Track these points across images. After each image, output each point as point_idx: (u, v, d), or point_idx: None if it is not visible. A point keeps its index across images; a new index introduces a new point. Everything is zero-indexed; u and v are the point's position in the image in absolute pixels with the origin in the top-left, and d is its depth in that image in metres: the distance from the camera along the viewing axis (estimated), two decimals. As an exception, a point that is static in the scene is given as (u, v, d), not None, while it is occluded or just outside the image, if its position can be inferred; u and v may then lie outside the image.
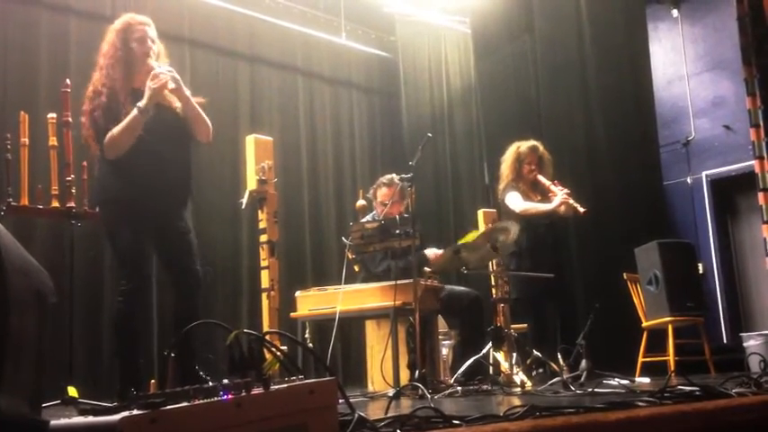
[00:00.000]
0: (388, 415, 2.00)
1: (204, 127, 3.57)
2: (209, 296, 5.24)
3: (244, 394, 1.30)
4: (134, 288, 3.34)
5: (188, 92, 3.56)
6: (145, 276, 3.43)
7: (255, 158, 3.98)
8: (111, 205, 3.47)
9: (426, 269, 4.84)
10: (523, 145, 5.23)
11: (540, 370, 4.53)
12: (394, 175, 5.01)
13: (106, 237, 3.64)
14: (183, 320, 3.32)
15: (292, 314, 4.53)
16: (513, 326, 4.51)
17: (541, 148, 5.25)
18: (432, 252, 4.94)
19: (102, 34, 5.52)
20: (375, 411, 2.83)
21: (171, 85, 3.37)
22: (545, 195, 5.14)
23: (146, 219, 3.40)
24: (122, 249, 3.38)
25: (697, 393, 2.52)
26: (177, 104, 3.54)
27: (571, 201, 4.94)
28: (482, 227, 5.12)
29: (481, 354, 4.36)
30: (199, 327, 3.45)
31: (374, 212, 5.07)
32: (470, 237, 4.68)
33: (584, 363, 4.38)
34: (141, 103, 3.32)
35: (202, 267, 3.56)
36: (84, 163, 4.06)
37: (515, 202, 5.08)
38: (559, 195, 4.99)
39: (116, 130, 3.33)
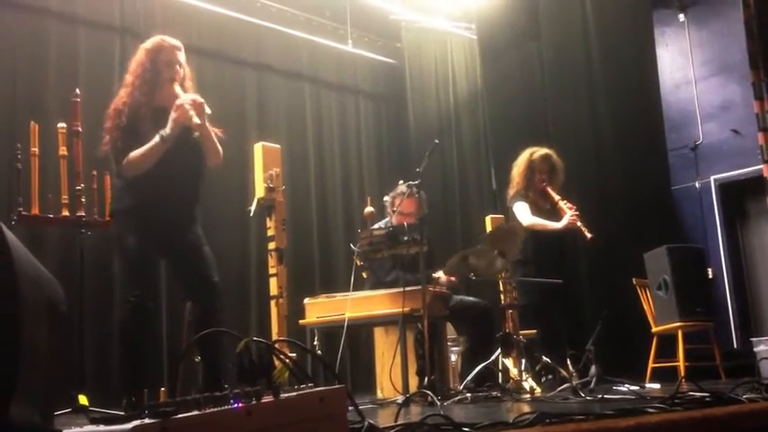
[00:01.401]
0: (398, 422, 2.00)
1: (215, 155, 3.62)
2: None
3: (254, 402, 1.31)
4: (139, 295, 3.38)
5: (207, 115, 3.60)
6: (150, 285, 3.47)
7: (263, 166, 3.99)
8: (121, 216, 3.53)
9: (435, 276, 4.83)
10: (536, 152, 5.17)
11: (550, 376, 4.51)
12: (409, 185, 5.00)
13: (116, 246, 3.68)
14: (205, 331, 3.36)
15: (301, 321, 4.54)
16: (521, 332, 4.51)
17: (554, 156, 5.20)
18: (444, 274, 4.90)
19: (110, 44, 5.63)
20: (385, 419, 2.83)
21: (195, 121, 3.40)
22: (554, 206, 5.11)
23: (156, 231, 3.44)
24: (129, 258, 3.43)
25: (708, 399, 2.51)
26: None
27: (579, 224, 4.90)
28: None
29: (490, 360, 4.36)
30: (224, 338, 3.50)
31: (387, 219, 5.07)
32: None
33: (593, 369, 4.36)
34: (164, 133, 3.37)
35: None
36: (94, 172, 4.08)
37: (523, 214, 5.04)
38: (567, 217, 4.95)
39: (137, 153, 3.39)
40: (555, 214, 5.07)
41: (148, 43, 3.60)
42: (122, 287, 3.39)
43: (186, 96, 3.46)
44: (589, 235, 4.84)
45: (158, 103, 3.49)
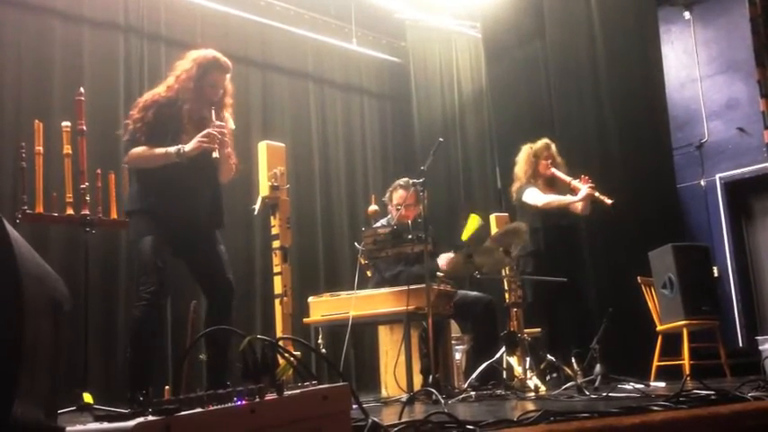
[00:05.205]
0: (402, 420, 2.00)
1: (226, 173, 3.73)
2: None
3: (257, 400, 1.31)
4: (154, 292, 3.43)
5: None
6: (164, 284, 3.51)
7: (268, 165, 4.00)
8: (137, 216, 3.60)
9: (439, 273, 4.83)
10: (535, 143, 5.25)
11: (554, 374, 4.51)
12: (407, 178, 5.00)
13: (132, 246, 3.75)
14: (218, 329, 3.42)
15: (305, 320, 4.54)
16: (526, 330, 4.50)
17: (553, 146, 5.26)
18: (444, 257, 4.91)
19: (114, 43, 5.63)
20: (389, 417, 2.83)
21: (215, 156, 3.49)
22: (565, 189, 5.14)
23: (171, 231, 3.51)
24: (144, 257, 3.48)
25: (713, 397, 2.50)
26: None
27: (597, 194, 4.91)
28: (494, 231, 5.11)
29: (495, 358, 4.35)
30: (229, 336, 3.54)
31: (389, 216, 5.06)
32: (472, 224, 4.68)
33: (598, 367, 4.35)
34: (183, 150, 3.45)
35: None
36: (99, 171, 4.09)
37: (536, 196, 5.06)
38: (585, 189, 4.96)
39: (146, 153, 3.48)
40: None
41: (200, 56, 3.65)
42: (137, 285, 3.44)
43: (217, 126, 3.52)
44: (609, 201, 4.86)
45: (187, 113, 3.58)
